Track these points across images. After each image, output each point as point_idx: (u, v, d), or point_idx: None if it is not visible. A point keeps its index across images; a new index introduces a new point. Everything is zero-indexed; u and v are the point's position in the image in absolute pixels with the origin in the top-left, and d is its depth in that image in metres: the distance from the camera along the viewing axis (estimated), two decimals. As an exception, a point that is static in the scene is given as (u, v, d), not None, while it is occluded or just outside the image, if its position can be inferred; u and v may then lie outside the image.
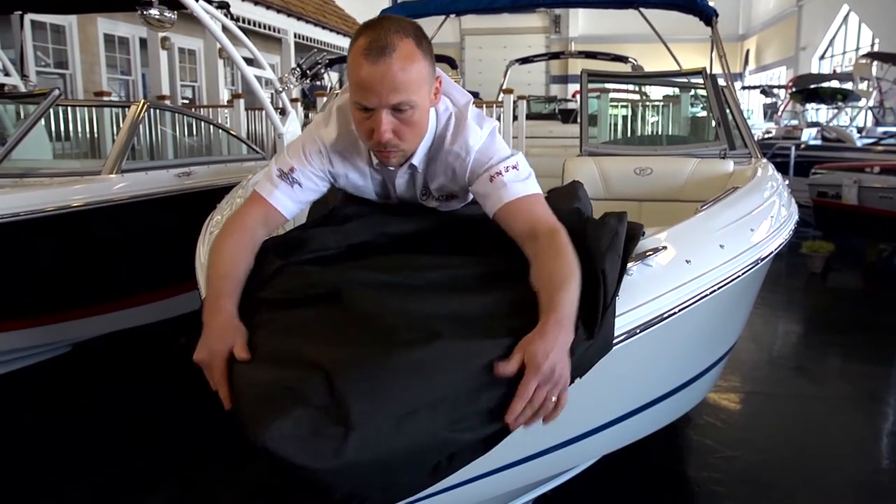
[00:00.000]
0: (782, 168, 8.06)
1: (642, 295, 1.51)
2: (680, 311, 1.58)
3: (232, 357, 1.29)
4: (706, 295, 1.67)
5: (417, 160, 1.63)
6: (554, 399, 1.21)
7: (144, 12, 3.79)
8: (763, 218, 2.17)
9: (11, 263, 3.24)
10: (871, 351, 4.12)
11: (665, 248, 1.66)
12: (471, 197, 1.72)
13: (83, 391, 3.49)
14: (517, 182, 1.55)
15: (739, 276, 1.83)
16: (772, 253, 2.11)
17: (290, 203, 1.66)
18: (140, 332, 4.02)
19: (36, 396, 3.43)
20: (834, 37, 20.64)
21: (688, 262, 1.67)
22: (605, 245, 1.46)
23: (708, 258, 1.74)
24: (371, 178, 1.73)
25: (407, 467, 1.17)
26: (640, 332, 1.49)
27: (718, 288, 1.72)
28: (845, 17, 19.70)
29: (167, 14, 3.85)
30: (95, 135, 4.92)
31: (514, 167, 1.56)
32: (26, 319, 3.47)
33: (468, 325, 1.27)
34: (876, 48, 16.39)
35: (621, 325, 1.43)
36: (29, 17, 5.40)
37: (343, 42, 16.90)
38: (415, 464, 1.18)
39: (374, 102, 1.43)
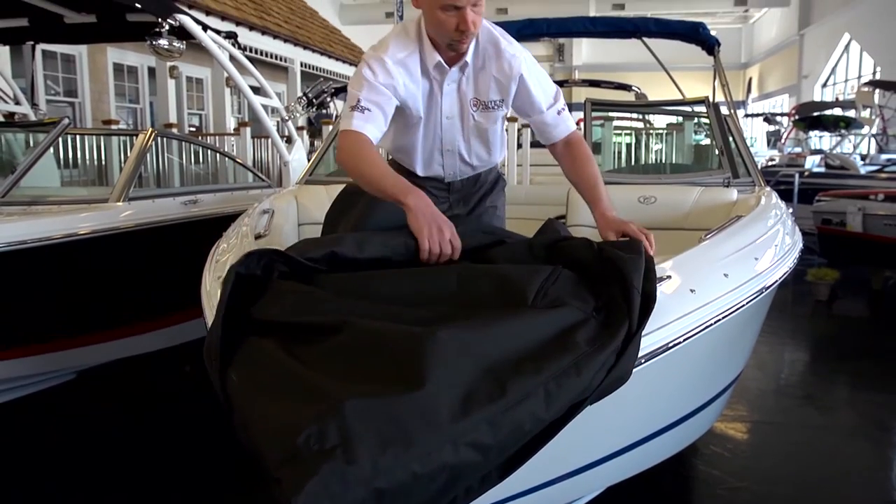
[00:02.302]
0: (787, 195, 8.07)
1: (647, 324, 1.51)
2: (685, 340, 1.58)
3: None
4: (711, 324, 1.67)
5: (470, 57, 2.04)
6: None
7: (154, 42, 3.86)
8: (767, 247, 2.17)
9: (19, 291, 3.26)
10: (879, 379, 4.09)
11: (669, 277, 1.66)
12: (506, 109, 2.15)
13: (87, 419, 3.49)
14: (570, 119, 2.19)
15: (744, 306, 1.83)
16: (776, 282, 2.11)
17: (370, 126, 1.95)
18: (145, 359, 4.01)
19: (40, 424, 3.42)
20: (836, 65, 20.79)
21: (692, 291, 1.67)
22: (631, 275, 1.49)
23: (712, 287, 1.74)
24: (421, 85, 2.05)
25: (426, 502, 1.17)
26: (646, 361, 1.49)
27: (723, 317, 1.72)
28: (846, 46, 19.86)
29: (176, 44, 3.92)
30: (103, 162, 4.97)
31: (565, 108, 2.17)
32: (31, 346, 3.47)
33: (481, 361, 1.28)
34: (878, 76, 16.51)
35: (626, 354, 1.43)
36: (40, 47, 5.48)
37: (349, 71, 17.06)
38: (433, 498, 1.18)
39: (463, 2, 1.85)
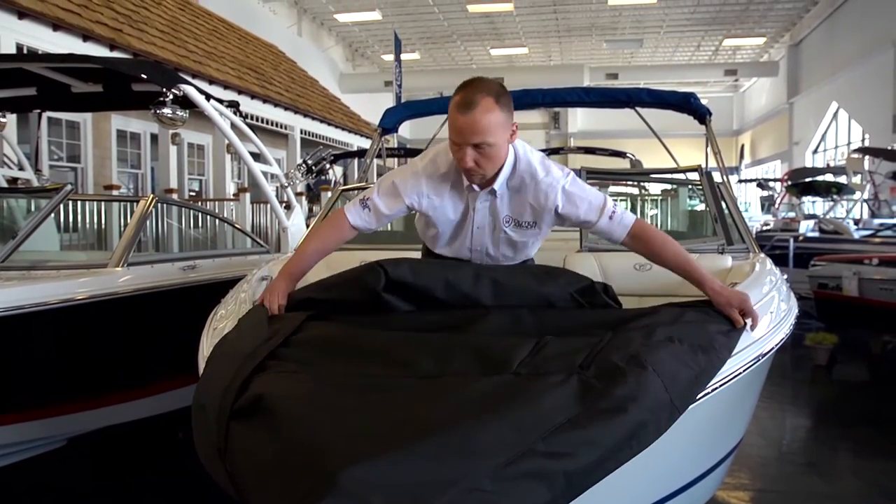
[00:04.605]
0: (782, 260, 8.12)
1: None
2: (683, 408, 1.57)
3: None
4: (709, 392, 1.67)
5: (498, 186, 2.16)
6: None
7: (158, 111, 3.94)
8: (763, 314, 2.17)
9: (15, 356, 3.23)
10: (883, 446, 4.03)
11: (666, 345, 1.66)
12: (546, 229, 2.27)
13: (78, 487, 3.41)
14: (625, 214, 2.18)
15: (741, 373, 1.83)
16: (773, 349, 2.10)
17: (360, 220, 2.23)
18: (138, 425, 3.95)
19: (30, 492, 3.35)
20: (825, 132, 21.21)
21: (689, 359, 1.67)
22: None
23: (709, 355, 1.74)
24: (455, 201, 2.24)
25: None
26: (643, 430, 1.48)
27: (721, 385, 1.71)
28: (835, 114, 20.30)
29: (179, 113, 4.00)
30: (104, 227, 5.00)
31: (615, 208, 2.17)
32: (22, 413, 3.42)
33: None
34: (866, 142, 16.82)
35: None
36: (46, 114, 5.58)
37: (348, 138, 17.38)
38: None
39: (461, 140, 2.01)
